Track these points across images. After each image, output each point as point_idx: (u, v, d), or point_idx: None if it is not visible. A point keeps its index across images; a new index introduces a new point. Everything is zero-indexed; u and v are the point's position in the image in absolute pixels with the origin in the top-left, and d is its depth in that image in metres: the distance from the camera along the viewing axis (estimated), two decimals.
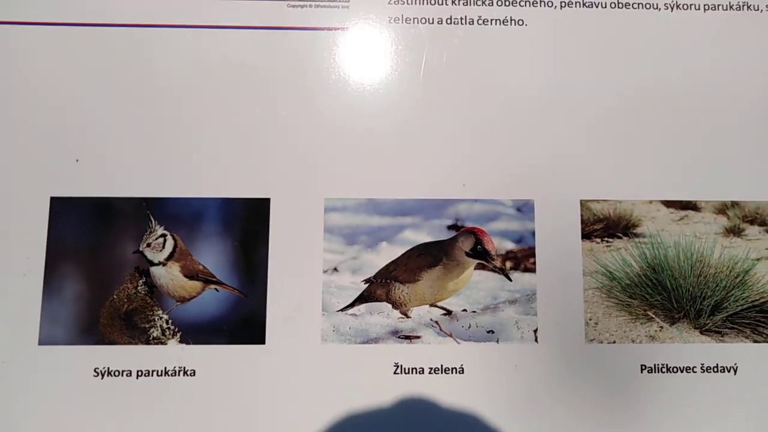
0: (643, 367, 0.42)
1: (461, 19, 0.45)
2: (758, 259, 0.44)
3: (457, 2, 0.45)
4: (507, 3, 0.45)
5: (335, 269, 0.42)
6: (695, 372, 0.43)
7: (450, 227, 0.43)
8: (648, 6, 0.46)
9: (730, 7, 0.46)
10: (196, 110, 0.43)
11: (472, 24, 0.45)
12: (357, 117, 0.44)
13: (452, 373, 0.42)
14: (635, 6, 0.46)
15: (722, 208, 0.44)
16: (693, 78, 0.45)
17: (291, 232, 0.43)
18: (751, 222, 0.44)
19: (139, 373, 0.41)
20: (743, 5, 0.46)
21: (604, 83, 0.45)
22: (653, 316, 0.43)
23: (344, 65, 0.44)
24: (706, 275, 0.43)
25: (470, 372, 0.42)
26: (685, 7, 0.46)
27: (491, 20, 0.45)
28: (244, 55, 0.44)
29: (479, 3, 0.45)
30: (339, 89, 0.44)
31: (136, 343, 0.41)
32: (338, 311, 0.42)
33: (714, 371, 0.43)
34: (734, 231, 0.44)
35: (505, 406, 0.42)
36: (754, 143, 0.45)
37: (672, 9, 0.46)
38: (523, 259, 0.43)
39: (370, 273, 0.43)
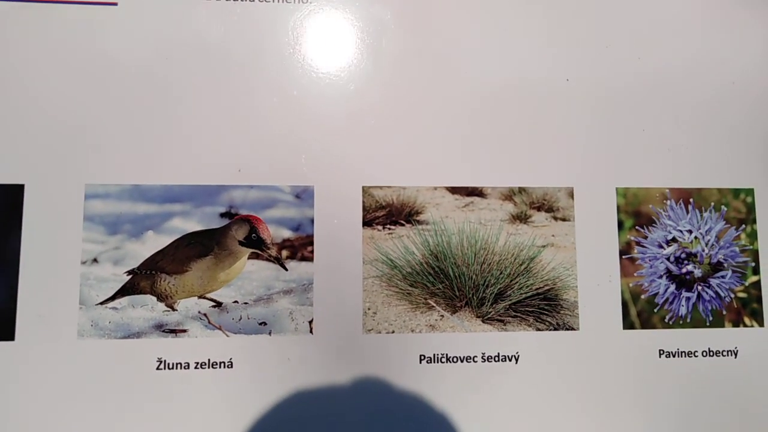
0: (422, 357, 0.43)
1: None
2: (544, 246, 0.44)
3: None
4: None
5: (95, 260, 0.41)
6: (476, 361, 0.43)
7: (223, 215, 0.43)
8: None
9: None
10: None
11: (253, 1, 0.44)
12: (121, 95, 0.42)
13: (220, 367, 0.41)
14: None
15: (509, 195, 0.45)
16: (477, 62, 0.45)
17: (47, 221, 0.41)
18: (538, 208, 0.45)
19: None
20: None
21: (384, 68, 0.45)
22: (434, 304, 0.43)
23: (108, 43, 0.43)
24: (490, 263, 0.44)
25: (239, 365, 0.41)
26: None
27: None
28: None
29: None
30: (96, 66, 0.42)
31: None
32: (97, 305, 0.41)
33: (495, 360, 0.43)
34: (520, 217, 0.45)
35: (275, 399, 0.41)
36: (541, 129, 0.45)
37: None
38: (300, 247, 0.43)
39: (134, 264, 0.42)
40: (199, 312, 0.42)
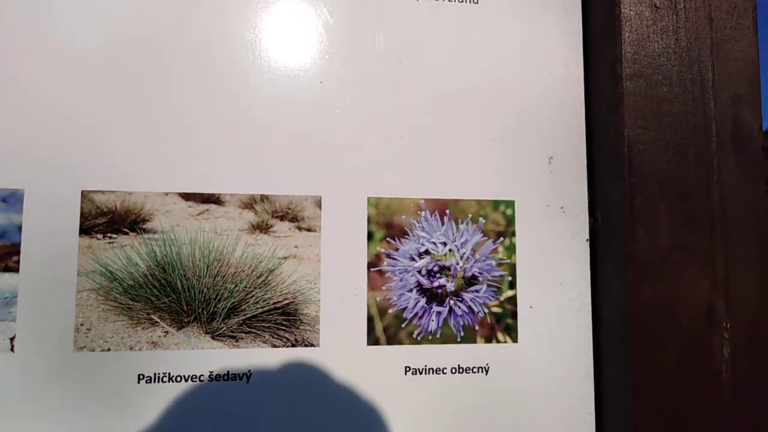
0: (141, 377, 0.42)
1: None
2: (286, 258, 0.44)
3: None
4: None
5: None
6: (202, 380, 0.42)
7: None
8: None
9: None
10: None
11: None
12: None
13: None
14: None
15: (250, 203, 0.44)
16: (223, 64, 0.44)
17: None
18: (282, 218, 0.44)
19: None
20: None
21: (111, 67, 0.43)
22: (158, 320, 0.42)
23: None
24: (224, 275, 0.43)
25: None
26: None
27: None
28: None
29: None
30: None
31: None
32: None
33: (224, 379, 0.43)
34: (261, 227, 0.44)
35: None
36: (289, 134, 0.45)
37: None
38: (4, 256, 0.41)
39: None
40: None
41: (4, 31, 0.42)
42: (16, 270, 0.41)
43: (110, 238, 0.42)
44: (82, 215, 0.42)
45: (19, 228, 0.41)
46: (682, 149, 0.48)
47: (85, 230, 0.42)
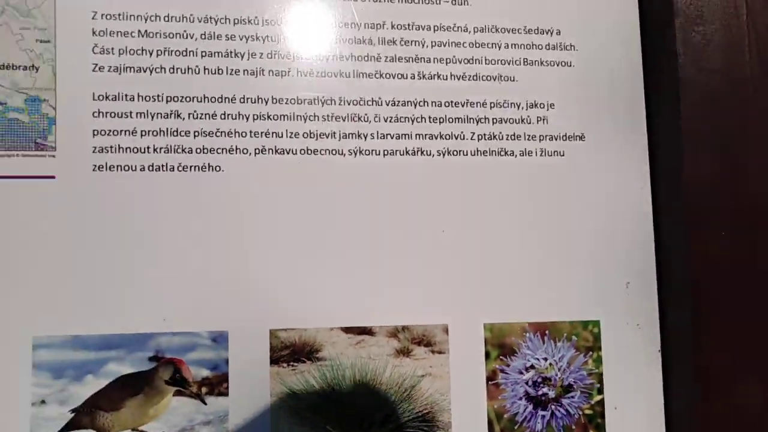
0: None
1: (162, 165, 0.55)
2: (423, 376, 0.57)
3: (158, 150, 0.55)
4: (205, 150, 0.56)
5: (43, 401, 0.52)
6: None
7: (151, 359, 0.54)
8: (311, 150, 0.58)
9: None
10: None
11: (172, 171, 0.55)
12: (57, 254, 0.53)
13: None
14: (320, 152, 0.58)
15: (394, 332, 0.57)
16: (357, 221, 0.57)
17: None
18: (419, 343, 0.57)
19: None
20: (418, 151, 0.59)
21: (283, 215, 0.56)
22: (331, 429, 0.55)
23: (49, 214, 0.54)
24: (378, 391, 0.56)
25: None
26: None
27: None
28: None
29: (179, 151, 0.55)
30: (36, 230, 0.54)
31: None
32: None
33: None
34: (404, 352, 0.57)
35: None
36: (421, 275, 0.58)
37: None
38: (217, 384, 0.54)
39: (77, 403, 0.53)
40: None
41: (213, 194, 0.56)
42: (226, 394, 0.55)
43: (293, 366, 0.56)
44: (271, 349, 0.56)
45: (226, 361, 0.55)
46: (742, 278, 0.59)
47: (274, 360, 0.56)
